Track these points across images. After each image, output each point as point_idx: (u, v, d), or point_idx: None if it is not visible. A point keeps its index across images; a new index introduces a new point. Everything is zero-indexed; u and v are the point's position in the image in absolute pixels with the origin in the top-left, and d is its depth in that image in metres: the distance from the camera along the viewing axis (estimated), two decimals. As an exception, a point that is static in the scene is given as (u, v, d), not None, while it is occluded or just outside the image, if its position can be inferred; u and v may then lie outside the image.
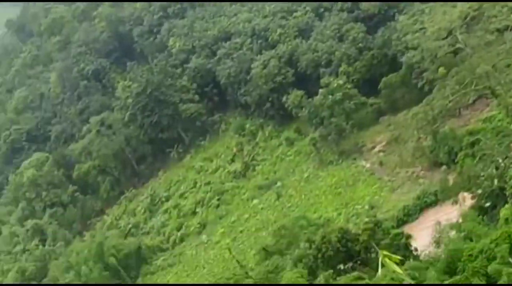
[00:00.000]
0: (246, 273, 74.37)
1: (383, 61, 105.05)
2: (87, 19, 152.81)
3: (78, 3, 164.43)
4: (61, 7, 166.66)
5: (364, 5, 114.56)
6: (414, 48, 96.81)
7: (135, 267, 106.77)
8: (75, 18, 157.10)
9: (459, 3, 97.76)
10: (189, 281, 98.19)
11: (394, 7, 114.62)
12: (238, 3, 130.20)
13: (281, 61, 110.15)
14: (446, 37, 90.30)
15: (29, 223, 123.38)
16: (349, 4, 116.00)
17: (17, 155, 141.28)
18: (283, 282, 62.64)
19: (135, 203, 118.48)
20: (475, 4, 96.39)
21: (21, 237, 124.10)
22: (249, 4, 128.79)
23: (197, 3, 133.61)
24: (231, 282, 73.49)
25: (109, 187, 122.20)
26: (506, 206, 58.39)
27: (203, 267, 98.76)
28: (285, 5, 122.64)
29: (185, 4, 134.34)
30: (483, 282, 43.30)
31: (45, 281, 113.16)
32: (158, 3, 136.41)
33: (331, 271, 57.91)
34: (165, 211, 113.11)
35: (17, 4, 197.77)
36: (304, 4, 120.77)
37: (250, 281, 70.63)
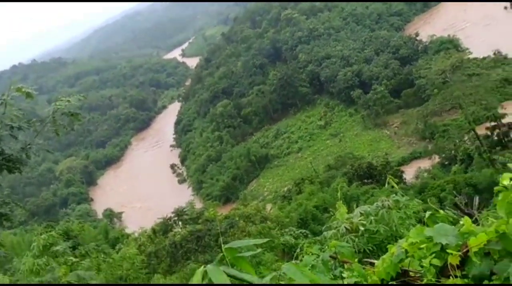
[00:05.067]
0: (317, 176, 78.83)
1: (406, 82, 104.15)
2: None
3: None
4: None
5: (401, 51, 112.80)
6: (423, 77, 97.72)
7: (264, 163, 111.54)
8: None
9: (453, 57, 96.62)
10: (288, 174, 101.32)
11: (418, 54, 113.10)
12: (337, 42, 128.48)
13: (353, 73, 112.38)
14: (441, 74, 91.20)
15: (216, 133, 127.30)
16: (394, 49, 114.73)
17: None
18: (334, 183, 61.79)
19: (269, 132, 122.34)
20: (459, 57, 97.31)
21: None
22: (344, 41, 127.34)
23: (317, 37, 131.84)
24: (307, 179, 74.79)
25: (257, 122, 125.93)
26: (455, 166, 64.87)
27: (296, 169, 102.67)
28: (359, 46, 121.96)
29: (311, 38, 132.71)
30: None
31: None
32: (298, 35, 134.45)
33: (360, 182, 60.59)
34: (283, 139, 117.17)
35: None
36: (370, 47, 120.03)
37: (318, 180, 72.19)
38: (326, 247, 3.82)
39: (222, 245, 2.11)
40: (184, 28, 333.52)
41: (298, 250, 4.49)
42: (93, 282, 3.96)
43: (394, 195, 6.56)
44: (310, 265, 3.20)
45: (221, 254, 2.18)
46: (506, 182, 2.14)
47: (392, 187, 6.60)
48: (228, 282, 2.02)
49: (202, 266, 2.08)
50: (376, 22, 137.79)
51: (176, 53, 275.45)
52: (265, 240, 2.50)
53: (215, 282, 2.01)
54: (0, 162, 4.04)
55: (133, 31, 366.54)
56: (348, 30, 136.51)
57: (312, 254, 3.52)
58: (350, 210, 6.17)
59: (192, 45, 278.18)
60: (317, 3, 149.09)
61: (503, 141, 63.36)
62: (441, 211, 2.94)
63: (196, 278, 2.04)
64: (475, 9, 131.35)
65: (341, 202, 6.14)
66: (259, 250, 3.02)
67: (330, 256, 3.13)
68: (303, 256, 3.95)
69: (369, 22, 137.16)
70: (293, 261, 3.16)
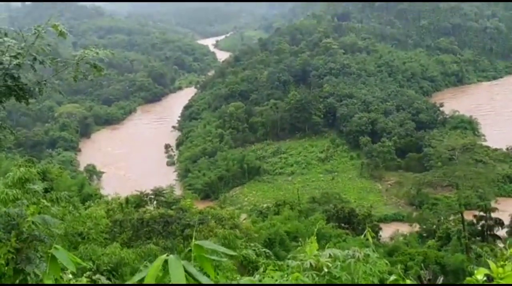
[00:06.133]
0: (299, 204, 76.34)
1: (414, 145, 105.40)
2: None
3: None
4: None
5: (421, 115, 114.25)
6: (432, 147, 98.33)
7: (254, 174, 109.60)
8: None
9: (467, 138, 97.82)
10: (272, 193, 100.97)
11: (436, 123, 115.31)
12: (364, 85, 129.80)
13: (368, 120, 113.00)
14: (450, 150, 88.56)
15: (219, 130, 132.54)
16: (415, 111, 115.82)
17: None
18: (312, 217, 60.53)
19: (269, 147, 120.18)
20: (473, 141, 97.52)
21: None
22: (371, 87, 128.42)
23: (347, 74, 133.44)
24: (288, 203, 71.29)
25: (262, 133, 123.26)
26: (432, 240, 65.06)
27: (282, 191, 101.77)
28: (383, 96, 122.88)
29: (341, 72, 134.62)
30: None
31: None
32: (330, 66, 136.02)
33: (337, 224, 59.97)
34: (279, 157, 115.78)
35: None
36: (394, 101, 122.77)
37: (299, 208, 70.14)
38: (286, 275, 3.81)
39: (194, 240, 2.12)
40: (226, 21, 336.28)
41: (260, 270, 4.49)
42: (56, 230, 3.95)
43: (367, 248, 6.53)
44: (267, 288, 3.21)
45: (189, 248, 2.18)
46: (479, 277, 2.16)
47: (367, 239, 6.55)
48: (183, 279, 2.02)
49: (166, 254, 2.08)
50: (408, 80, 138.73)
51: (209, 42, 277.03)
52: (234, 253, 2.50)
53: (171, 274, 2.02)
54: (13, 87, 4.05)
55: (177, 6, 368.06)
56: (378, 78, 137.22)
57: (272, 278, 3.53)
58: (319, 247, 6.15)
59: (227, 39, 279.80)
60: (360, 42, 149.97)
61: (485, 234, 63.25)
62: (408, 280, 2.94)
63: (157, 264, 2.04)
64: (505, 100, 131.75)
65: (314, 237, 6.11)
66: (225, 259, 3.02)
67: (289, 287, 3.13)
68: (263, 277, 3.95)
69: (401, 78, 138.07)
70: (251, 278, 3.17)
